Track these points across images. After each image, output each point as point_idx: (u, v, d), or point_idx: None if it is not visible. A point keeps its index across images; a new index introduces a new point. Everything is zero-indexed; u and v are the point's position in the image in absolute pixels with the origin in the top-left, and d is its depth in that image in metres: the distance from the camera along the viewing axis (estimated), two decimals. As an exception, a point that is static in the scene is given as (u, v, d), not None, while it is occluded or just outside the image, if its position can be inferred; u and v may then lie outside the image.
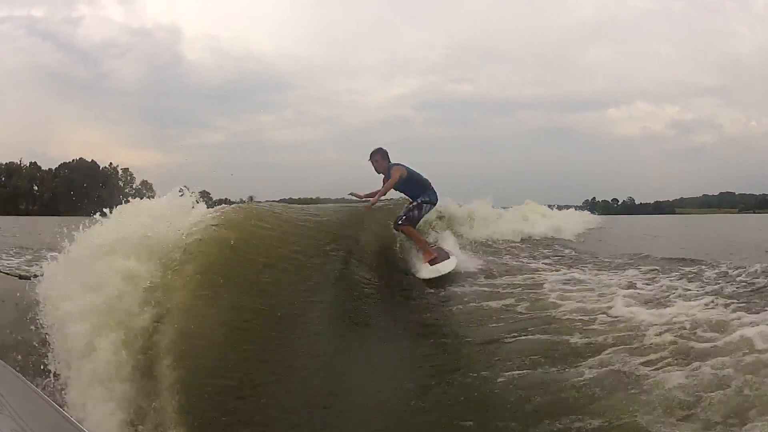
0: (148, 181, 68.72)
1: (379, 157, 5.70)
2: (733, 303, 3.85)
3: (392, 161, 5.75)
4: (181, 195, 3.89)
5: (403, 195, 6.02)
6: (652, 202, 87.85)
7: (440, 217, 8.66)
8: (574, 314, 3.93)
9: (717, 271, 5.34)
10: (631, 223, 27.38)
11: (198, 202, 3.96)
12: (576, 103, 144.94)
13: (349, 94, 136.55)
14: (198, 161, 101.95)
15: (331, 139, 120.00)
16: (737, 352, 2.83)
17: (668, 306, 3.93)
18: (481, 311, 4.30)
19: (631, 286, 4.78)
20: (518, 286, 5.08)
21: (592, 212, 21.22)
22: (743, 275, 4.87)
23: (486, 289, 5.04)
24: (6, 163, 69.93)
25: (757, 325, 3.20)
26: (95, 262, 3.15)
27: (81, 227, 3.40)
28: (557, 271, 6.02)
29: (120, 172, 75.14)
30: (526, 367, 3.01)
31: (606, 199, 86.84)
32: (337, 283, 4.23)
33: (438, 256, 5.58)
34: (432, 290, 5.08)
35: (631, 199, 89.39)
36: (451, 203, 9.81)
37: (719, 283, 4.75)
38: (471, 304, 4.53)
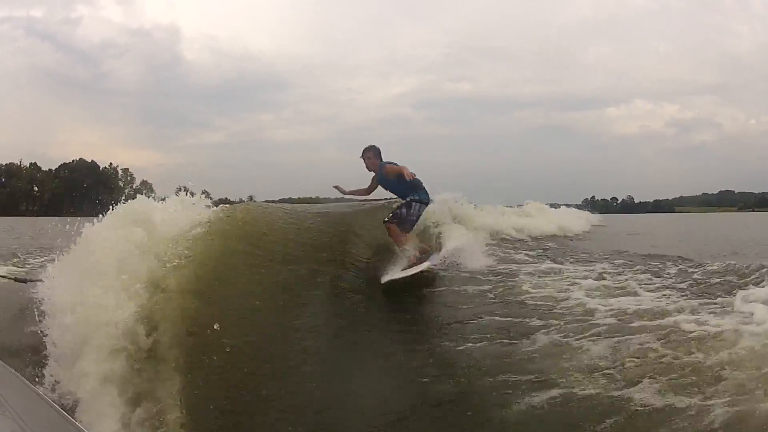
0: (148, 181, 69.81)
1: (371, 155, 5.69)
2: (681, 295, 4.38)
3: (391, 160, 5.70)
4: (182, 194, 3.99)
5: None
6: (651, 200, 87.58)
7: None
8: (540, 300, 4.46)
9: (679, 267, 5.85)
10: (629, 222, 27.69)
11: (194, 204, 4.03)
12: (575, 102, 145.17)
13: (348, 93, 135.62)
14: (197, 161, 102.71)
15: (331, 138, 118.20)
16: (665, 332, 3.36)
17: (624, 296, 4.46)
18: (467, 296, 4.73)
19: (600, 277, 5.31)
20: (499, 274, 5.60)
21: (592, 211, 21.33)
22: (699, 273, 5.38)
23: (477, 278, 5.34)
24: (6, 164, 69.98)
25: (693, 313, 3.73)
26: (95, 263, 3.18)
27: (81, 227, 3.44)
28: (540, 263, 6.51)
29: (120, 172, 75.83)
30: (486, 340, 3.57)
31: (605, 197, 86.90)
32: (337, 283, 4.50)
33: (417, 262, 5.30)
34: (429, 288, 5.21)
35: (631, 198, 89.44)
36: (454, 201, 9.57)
37: (678, 278, 5.26)
38: (465, 299, 4.74)
